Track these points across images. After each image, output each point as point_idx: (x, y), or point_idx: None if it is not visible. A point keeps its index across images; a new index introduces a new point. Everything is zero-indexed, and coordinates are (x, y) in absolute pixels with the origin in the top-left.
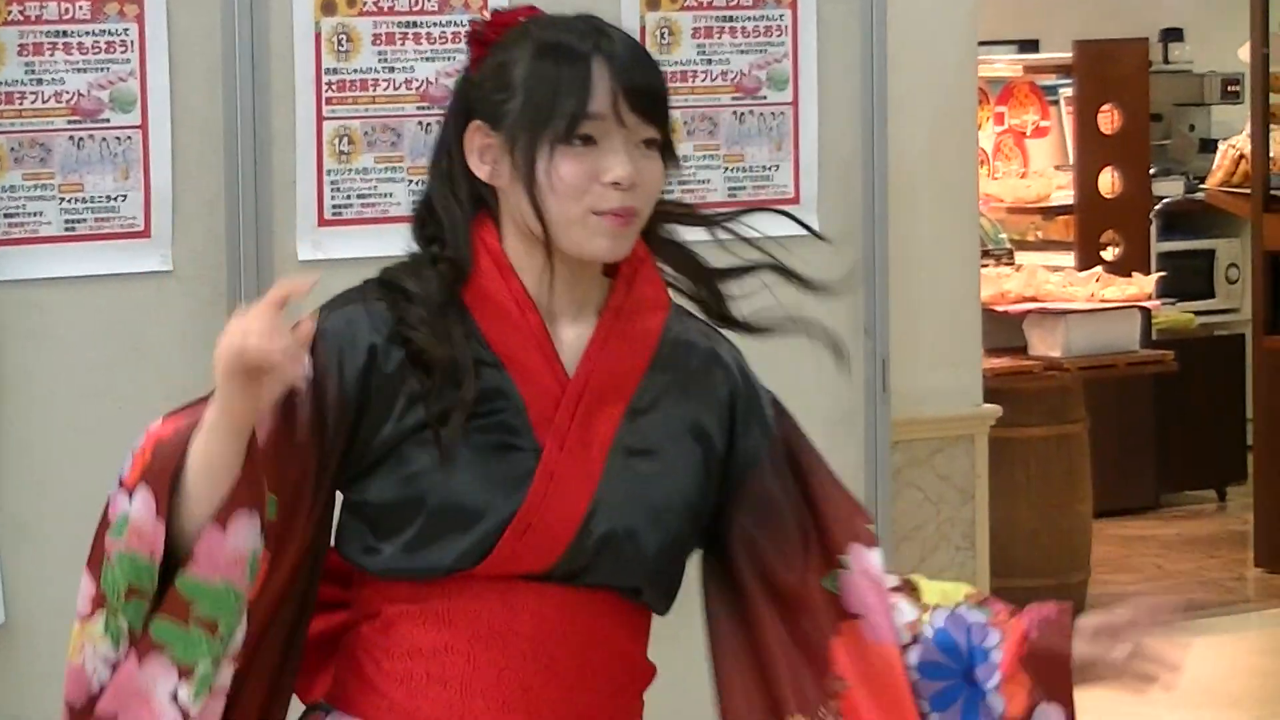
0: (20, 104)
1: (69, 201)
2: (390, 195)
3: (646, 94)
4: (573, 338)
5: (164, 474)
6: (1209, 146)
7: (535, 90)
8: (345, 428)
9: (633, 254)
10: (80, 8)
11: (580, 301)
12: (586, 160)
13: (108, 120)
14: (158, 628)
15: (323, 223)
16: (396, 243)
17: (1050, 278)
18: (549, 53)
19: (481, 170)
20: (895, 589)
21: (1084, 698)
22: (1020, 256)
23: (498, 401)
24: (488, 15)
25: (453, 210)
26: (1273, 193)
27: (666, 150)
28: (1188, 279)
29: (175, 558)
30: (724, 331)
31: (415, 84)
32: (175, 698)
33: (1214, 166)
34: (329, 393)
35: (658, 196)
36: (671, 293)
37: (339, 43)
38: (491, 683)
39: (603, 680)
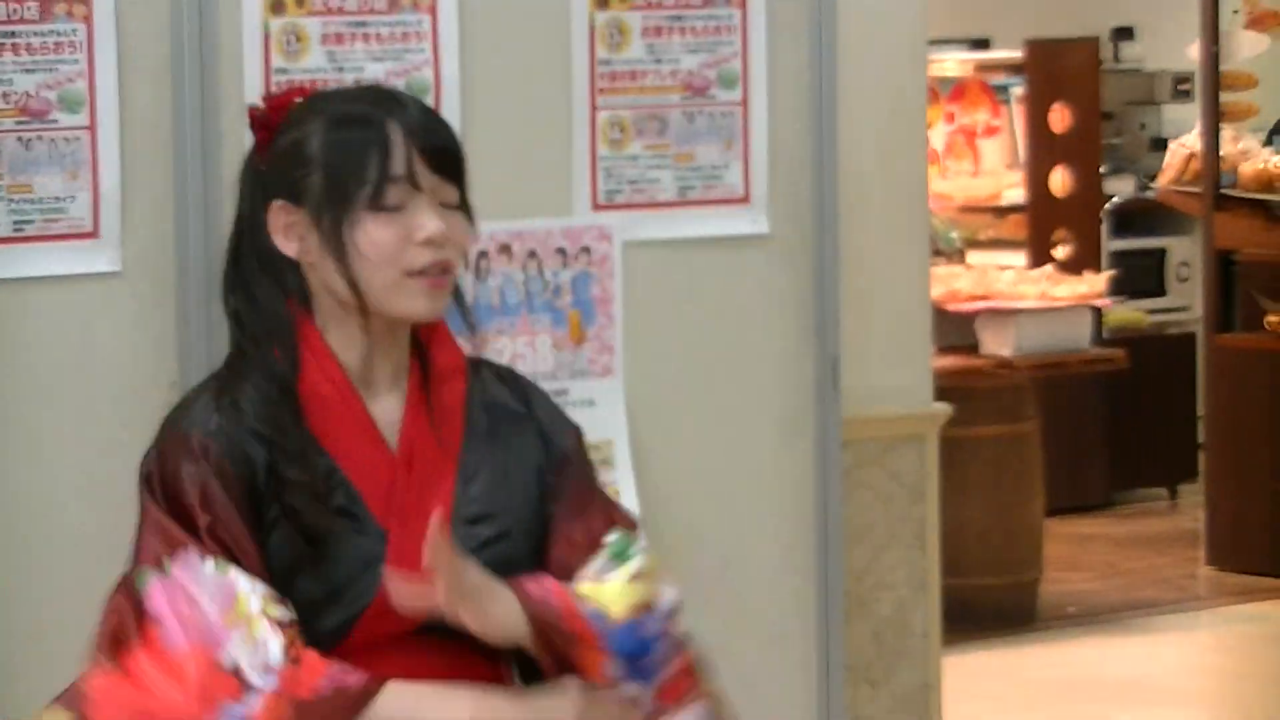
0: None
1: (17, 202)
2: None
3: (444, 154)
4: (390, 407)
5: None
6: (1160, 145)
7: (335, 161)
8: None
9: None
10: (28, 8)
11: (395, 368)
12: (396, 223)
13: (56, 121)
14: None
15: None
16: None
17: (1001, 276)
18: (343, 123)
19: (289, 248)
20: None
21: (1034, 696)
22: (971, 255)
23: (337, 492)
24: (264, 100)
25: (276, 299)
26: (1223, 191)
27: (466, 211)
28: (1139, 277)
29: None
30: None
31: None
32: None
33: (1165, 165)
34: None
35: (467, 253)
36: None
37: (288, 43)
38: None
39: None
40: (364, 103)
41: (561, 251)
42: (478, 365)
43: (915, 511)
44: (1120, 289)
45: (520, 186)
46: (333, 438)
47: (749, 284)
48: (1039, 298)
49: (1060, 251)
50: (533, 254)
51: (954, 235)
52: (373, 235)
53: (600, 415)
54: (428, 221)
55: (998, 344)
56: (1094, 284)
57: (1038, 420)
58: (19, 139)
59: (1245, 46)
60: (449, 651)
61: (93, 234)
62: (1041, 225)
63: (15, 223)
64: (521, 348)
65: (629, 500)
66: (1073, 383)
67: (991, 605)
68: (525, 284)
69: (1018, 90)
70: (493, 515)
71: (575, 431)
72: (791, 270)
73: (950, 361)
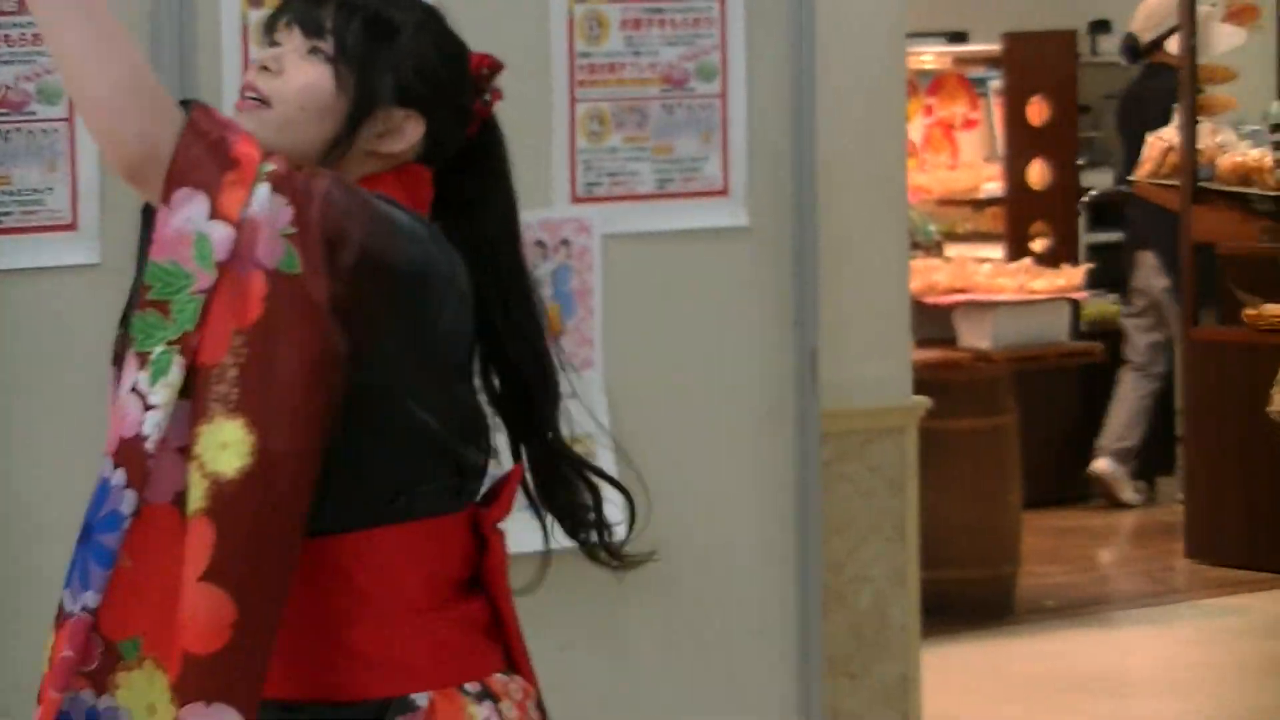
0: None
1: None
2: None
3: (290, 7)
4: None
5: None
6: None
7: None
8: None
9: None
10: (6, 0)
11: None
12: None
13: (34, 112)
14: (131, 324)
15: None
16: None
17: (979, 269)
18: None
19: None
20: None
21: (1013, 689)
22: (949, 248)
23: None
24: None
25: None
26: (1200, 185)
27: (344, 68)
28: (1116, 270)
29: None
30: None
31: None
32: (135, 388)
33: (1142, 158)
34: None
35: (293, 96)
36: None
37: None
38: None
39: None
40: None
41: (541, 244)
42: None
43: (894, 504)
44: (1098, 282)
45: None
46: None
47: (728, 276)
48: (1017, 290)
49: (1038, 244)
50: None
51: (932, 228)
52: None
53: (580, 408)
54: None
55: (975, 337)
56: (1071, 277)
57: (1015, 413)
58: None
59: (1222, 40)
60: None
61: (71, 226)
62: (1019, 218)
63: None
64: None
65: (610, 493)
66: (1050, 375)
67: (969, 598)
68: None
69: (995, 83)
70: None
71: None
72: (770, 263)
73: (928, 354)
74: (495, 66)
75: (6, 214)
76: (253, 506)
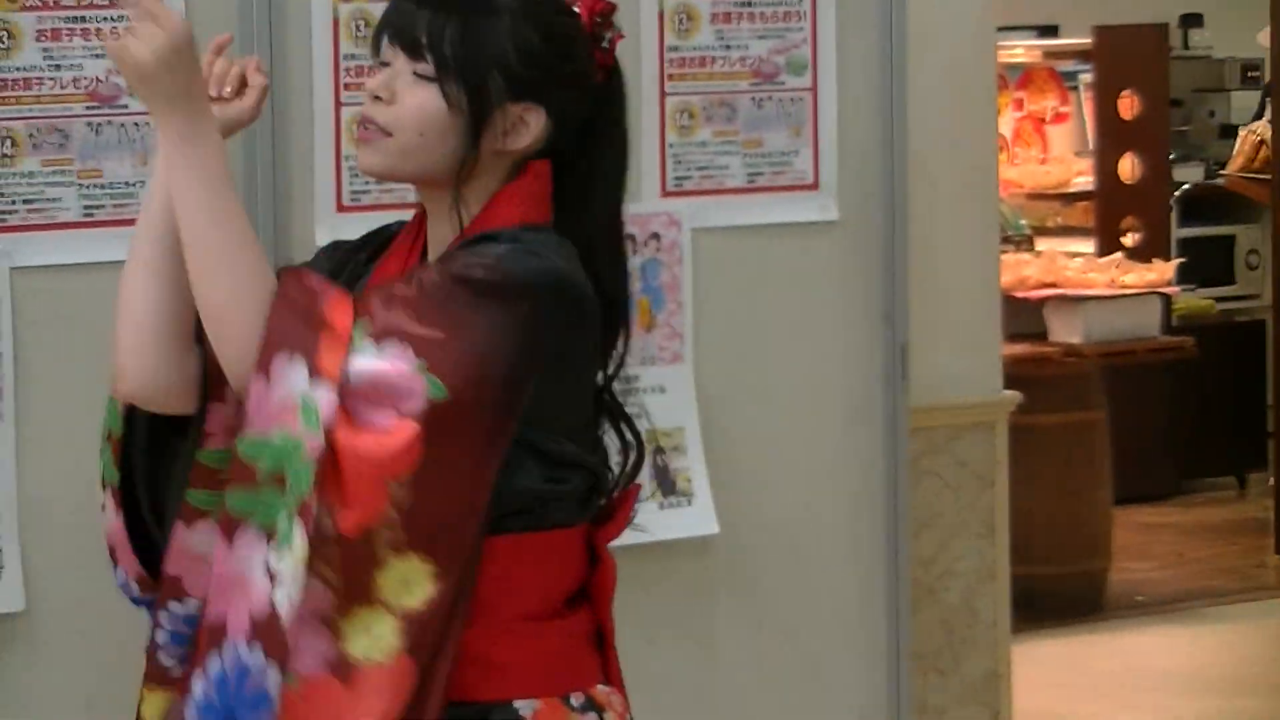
0: (38, 89)
1: (87, 188)
2: None
3: (390, 26)
4: None
5: None
6: (1229, 132)
7: None
8: None
9: (488, 211)
10: None
11: (441, 241)
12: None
13: (125, 106)
14: (233, 500)
15: (340, 209)
16: None
17: (1070, 264)
18: None
19: None
20: None
21: (1103, 685)
22: (1040, 243)
23: None
24: None
25: None
26: None
27: (449, 88)
28: (1208, 265)
29: None
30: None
31: None
32: (264, 564)
33: (1234, 152)
34: None
35: (410, 121)
36: None
37: (357, 28)
38: None
39: None
40: None
41: (630, 237)
42: (479, 239)
43: (984, 499)
44: (1189, 277)
45: None
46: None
47: (818, 271)
48: (1107, 285)
49: (1129, 239)
50: None
51: (1022, 222)
52: None
53: (671, 402)
54: (370, 81)
55: (1066, 331)
56: (1163, 271)
57: (1105, 408)
58: (89, 124)
59: None
60: None
61: None
62: (1110, 212)
63: (86, 208)
64: None
65: (700, 487)
66: (1141, 371)
67: (1059, 594)
68: None
69: (1086, 77)
70: None
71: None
72: (860, 257)
73: (1019, 349)
74: (608, 9)
75: (99, 207)
76: (444, 625)
